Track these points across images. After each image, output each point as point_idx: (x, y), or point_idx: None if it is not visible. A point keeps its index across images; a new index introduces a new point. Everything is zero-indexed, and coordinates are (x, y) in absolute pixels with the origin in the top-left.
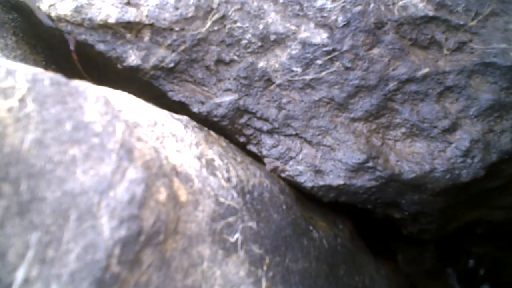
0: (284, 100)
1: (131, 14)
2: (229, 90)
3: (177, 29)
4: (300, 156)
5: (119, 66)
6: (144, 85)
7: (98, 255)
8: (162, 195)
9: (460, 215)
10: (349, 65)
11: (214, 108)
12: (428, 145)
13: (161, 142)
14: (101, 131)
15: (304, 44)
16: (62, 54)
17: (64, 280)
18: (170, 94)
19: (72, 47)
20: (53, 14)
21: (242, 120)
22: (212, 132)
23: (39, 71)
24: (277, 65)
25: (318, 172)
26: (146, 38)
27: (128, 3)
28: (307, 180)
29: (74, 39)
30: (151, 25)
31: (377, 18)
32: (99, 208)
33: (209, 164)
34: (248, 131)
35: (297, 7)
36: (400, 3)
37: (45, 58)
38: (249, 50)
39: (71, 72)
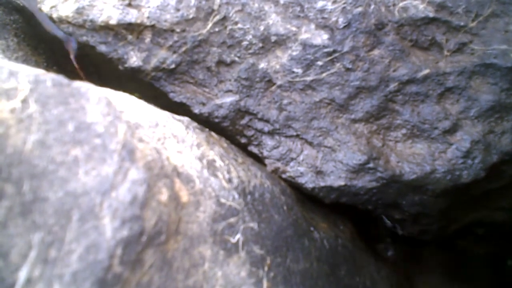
0: (285, 101)
1: (132, 16)
2: (230, 91)
3: (178, 30)
4: (301, 157)
5: (120, 67)
6: (145, 86)
7: (100, 255)
8: (164, 196)
9: (461, 216)
10: (350, 66)
11: (215, 109)
12: (429, 146)
13: (162, 143)
14: (103, 132)
15: (305, 45)
16: (63, 56)
17: (66, 280)
18: (171, 95)
19: (72, 56)
20: (54, 16)
21: (243, 121)
22: (213, 133)
23: (41, 72)
24: (278, 66)
25: (319, 173)
26: (147, 40)
27: (129, 5)
28: (308, 181)
29: (72, 46)
30: (152, 26)
31: (378, 19)
32: (101, 209)
33: (210, 165)
34: (249, 132)
35: (298, 8)
36: (401, 4)
37: (46, 60)
38: (250, 51)
39: (72, 73)
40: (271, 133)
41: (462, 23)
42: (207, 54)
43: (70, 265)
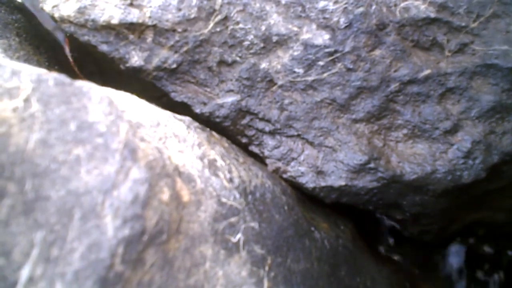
0: (286, 101)
1: (134, 15)
2: (231, 91)
3: (179, 30)
4: (302, 157)
5: (122, 67)
6: (146, 85)
7: (102, 254)
8: (165, 195)
9: (462, 216)
10: (351, 66)
11: (216, 109)
12: (430, 147)
13: (164, 142)
14: (105, 131)
15: (306, 45)
16: (65, 55)
17: (68, 278)
18: (172, 95)
19: (68, 51)
20: (56, 15)
21: (244, 121)
22: (214, 133)
23: (43, 71)
24: (279, 66)
25: (319, 173)
26: (149, 39)
27: (131, 4)
28: (308, 181)
29: (68, 42)
30: (154, 26)
31: (379, 19)
32: (103, 208)
33: (212, 164)
34: (250, 132)
35: (299, 9)
36: (402, 4)
37: (48, 59)
38: (251, 51)
39: (74, 72)
40: (272, 133)
41: (463, 24)
42: (208, 54)
43: (72, 264)
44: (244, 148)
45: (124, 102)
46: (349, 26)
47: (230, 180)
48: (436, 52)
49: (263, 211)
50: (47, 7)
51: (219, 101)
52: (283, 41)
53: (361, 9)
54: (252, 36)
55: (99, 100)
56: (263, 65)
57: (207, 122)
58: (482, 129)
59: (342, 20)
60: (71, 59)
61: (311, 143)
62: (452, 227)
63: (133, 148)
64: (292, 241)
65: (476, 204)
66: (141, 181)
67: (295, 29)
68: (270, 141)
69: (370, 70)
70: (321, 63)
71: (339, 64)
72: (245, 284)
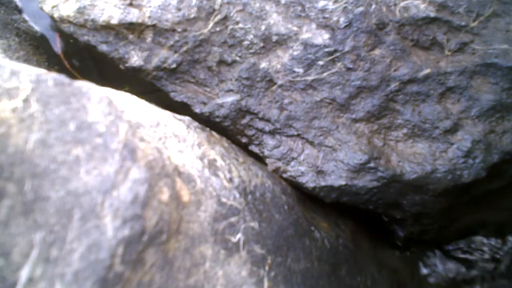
0: (286, 101)
1: (133, 15)
2: (231, 90)
3: (179, 30)
4: (302, 157)
5: (121, 67)
6: (146, 85)
7: (102, 255)
8: (165, 195)
9: (462, 216)
10: (351, 66)
11: (216, 108)
12: (430, 146)
13: (163, 142)
14: (104, 131)
15: (306, 45)
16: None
17: (68, 279)
18: (172, 94)
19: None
20: (56, 15)
21: (244, 121)
22: (214, 133)
23: (42, 71)
24: (279, 66)
25: (319, 172)
26: (149, 39)
27: (130, 4)
28: (308, 180)
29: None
30: (154, 26)
31: (379, 19)
32: (102, 208)
33: (211, 164)
34: (250, 132)
35: (299, 8)
36: (402, 4)
37: (48, 59)
38: (251, 51)
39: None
40: (272, 133)
41: (463, 23)
42: (208, 54)
43: (71, 264)
44: (244, 148)
45: (124, 102)
46: (349, 25)
47: (230, 180)
48: (436, 51)
49: (263, 211)
50: (46, 7)
51: (219, 100)
52: (282, 41)
53: (360, 9)
54: (251, 36)
55: (98, 100)
56: (263, 64)
57: (207, 122)
58: (482, 128)
59: (341, 19)
60: (62, 56)
61: (311, 143)
62: (452, 227)
63: (133, 148)
64: (292, 241)
65: (476, 204)
66: (141, 181)
67: (295, 28)
68: (270, 141)
69: (370, 69)
70: (321, 62)
71: (339, 64)
72: (245, 284)
